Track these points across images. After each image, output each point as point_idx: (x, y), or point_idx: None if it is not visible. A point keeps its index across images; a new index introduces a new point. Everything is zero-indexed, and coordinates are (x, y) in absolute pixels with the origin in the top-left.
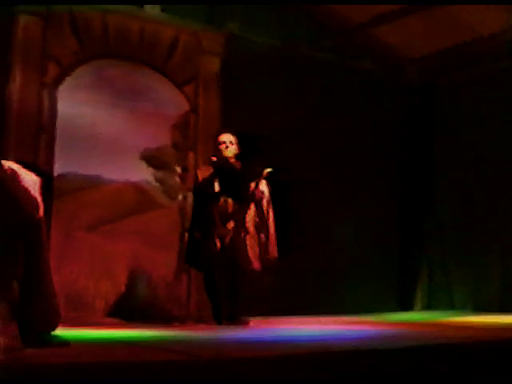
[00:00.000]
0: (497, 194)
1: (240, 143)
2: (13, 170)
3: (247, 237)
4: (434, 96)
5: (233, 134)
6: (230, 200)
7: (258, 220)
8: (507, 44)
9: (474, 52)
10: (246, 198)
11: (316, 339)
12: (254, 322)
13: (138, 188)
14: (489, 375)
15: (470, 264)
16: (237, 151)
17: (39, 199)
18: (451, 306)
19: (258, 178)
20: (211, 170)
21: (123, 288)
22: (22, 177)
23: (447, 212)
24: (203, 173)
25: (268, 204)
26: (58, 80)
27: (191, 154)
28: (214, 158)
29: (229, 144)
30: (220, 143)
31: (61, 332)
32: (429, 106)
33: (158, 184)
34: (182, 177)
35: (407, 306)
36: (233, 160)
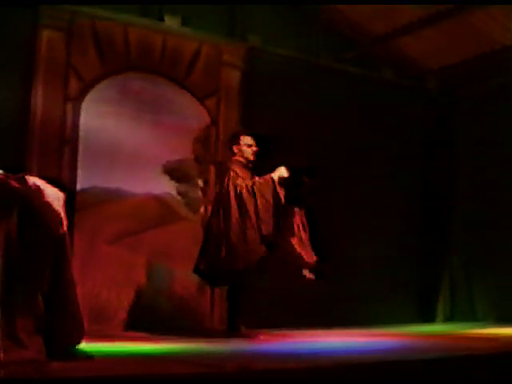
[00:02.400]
0: None
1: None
2: (37, 186)
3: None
4: (456, 106)
5: (252, 137)
6: None
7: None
8: None
9: (495, 62)
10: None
11: (340, 352)
12: (277, 334)
13: (160, 201)
14: None
15: (493, 275)
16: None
17: (63, 214)
18: (474, 318)
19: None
20: (242, 169)
21: (145, 300)
22: (46, 192)
23: (470, 223)
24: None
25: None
26: (81, 94)
27: (212, 167)
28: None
29: (254, 148)
30: (248, 145)
31: (85, 345)
32: (450, 116)
33: (179, 197)
34: (203, 190)
35: (429, 318)
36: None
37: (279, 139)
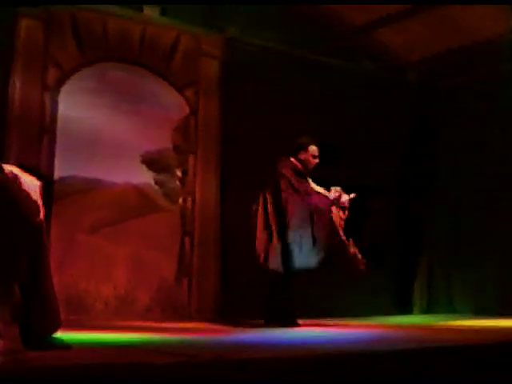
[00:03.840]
0: (497, 198)
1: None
2: (14, 174)
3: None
4: (435, 98)
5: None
6: None
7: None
8: (507, 47)
9: (474, 54)
10: None
11: (316, 342)
12: (254, 324)
13: (138, 191)
14: (488, 378)
15: (470, 268)
16: None
17: (40, 203)
18: (451, 310)
19: None
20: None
21: (124, 291)
22: (23, 181)
23: (447, 216)
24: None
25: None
26: (59, 83)
27: (191, 157)
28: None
29: (317, 160)
30: (314, 156)
31: (62, 335)
32: (430, 108)
33: (158, 187)
34: (182, 180)
35: (407, 310)
36: None
37: (340, 150)
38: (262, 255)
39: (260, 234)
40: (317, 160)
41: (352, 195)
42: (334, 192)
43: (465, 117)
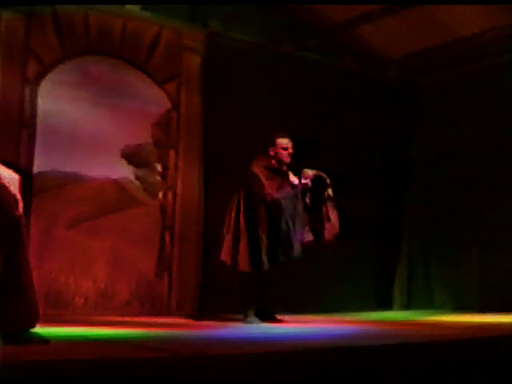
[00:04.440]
0: (476, 193)
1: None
2: None
3: None
4: (415, 95)
5: (290, 139)
6: None
7: None
8: (487, 44)
9: (455, 52)
10: None
11: (296, 337)
12: (234, 319)
13: (118, 185)
14: (465, 374)
15: (450, 263)
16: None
17: (19, 197)
18: (431, 306)
19: None
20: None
21: (103, 285)
22: (1, 175)
23: (427, 211)
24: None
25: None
26: (40, 77)
27: (172, 152)
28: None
29: (291, 151)
30: (284, 148)
31: (40, 329)
32: (410, 106)
33: (138, 182)
34: (162, 175)
35: (386, 305)
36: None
37: (314, 142)
38: (230, 258)
39: (229, 235)
40: (289, 151)
41: (312, 172)
42: (305, 176)
43: (444, 114)
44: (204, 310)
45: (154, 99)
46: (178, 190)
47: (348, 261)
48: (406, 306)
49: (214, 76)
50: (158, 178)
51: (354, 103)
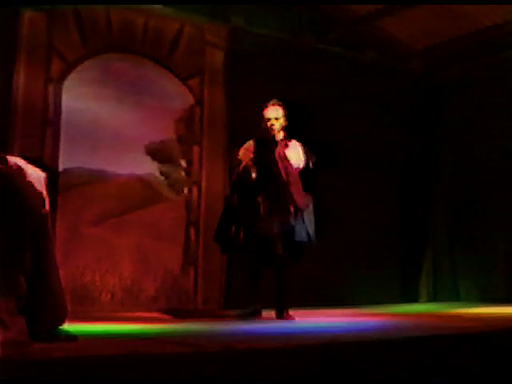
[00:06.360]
0: (502, 184)
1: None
2: (18, 166)
3: None
4: (440, 87)
5: (280, 106)
6: None
7: None
8: (511, 34)
9: (478, 42)
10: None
11: (320, 331)
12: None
13: (143, 182)
14: (492, 365)
15: (476, 256)
16: (285, 124)
17: (45, 194)
18: (457, 298)
19: None
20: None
21: (129, 282)
22: (27, 172)
23: (453, 203)
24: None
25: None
26: (63, 75)
27: (196, 148)
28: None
29: (274, 121)
30: (268, 119)
31: (68, 326)
32: (435, 97)
33: (163, 178)
34: (187, 170)
35: (412, 298)
36: (279, 137)
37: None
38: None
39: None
40: (271, 121)
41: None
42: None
43: (469, 105)
44: (231, 305)
45: (177, 95)
46: (203, 186)
47: (373, 254)
48: (432, 299)
49: (237, 71)
50: (183, 173)
51: (378, 96)
